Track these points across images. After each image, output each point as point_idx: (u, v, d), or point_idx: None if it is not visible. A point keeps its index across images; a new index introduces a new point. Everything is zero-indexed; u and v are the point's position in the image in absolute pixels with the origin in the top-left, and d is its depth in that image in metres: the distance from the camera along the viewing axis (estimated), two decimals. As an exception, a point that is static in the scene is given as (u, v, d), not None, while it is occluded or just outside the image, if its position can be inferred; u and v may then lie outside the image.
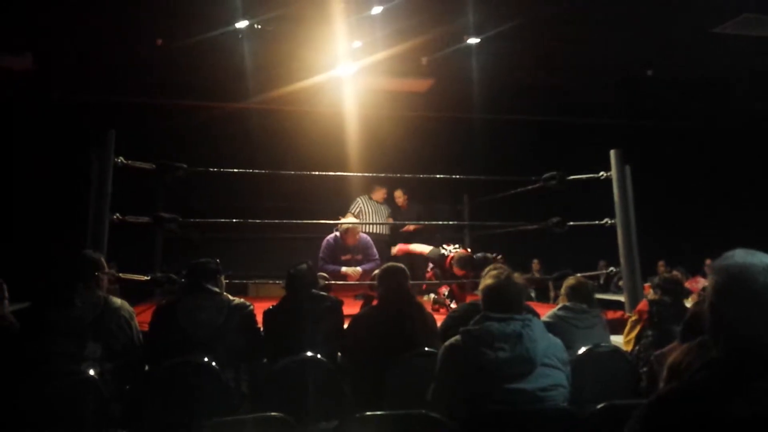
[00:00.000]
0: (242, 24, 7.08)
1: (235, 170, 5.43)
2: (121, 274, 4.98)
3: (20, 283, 3.78)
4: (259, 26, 7.21)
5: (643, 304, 4.06)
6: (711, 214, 9.51)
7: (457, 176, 6.18)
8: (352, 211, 7.32)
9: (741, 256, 1.35)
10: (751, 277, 1.30)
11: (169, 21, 6.99)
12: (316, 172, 5.94)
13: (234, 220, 5.42)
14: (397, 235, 7.64)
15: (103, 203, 4.64)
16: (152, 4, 6.57)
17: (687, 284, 8.22)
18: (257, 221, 5.69)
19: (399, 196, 7.76)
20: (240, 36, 7.33)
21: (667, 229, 9.10)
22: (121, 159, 4.79)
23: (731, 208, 9.60)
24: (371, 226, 7.26)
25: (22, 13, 6.58)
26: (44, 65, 7.60)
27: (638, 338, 3.89)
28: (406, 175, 6.90)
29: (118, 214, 4.72)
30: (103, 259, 3.41)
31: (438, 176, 6.22)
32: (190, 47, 7.12)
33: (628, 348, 3.91)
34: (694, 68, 8.36)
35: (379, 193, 7.51)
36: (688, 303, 4.73)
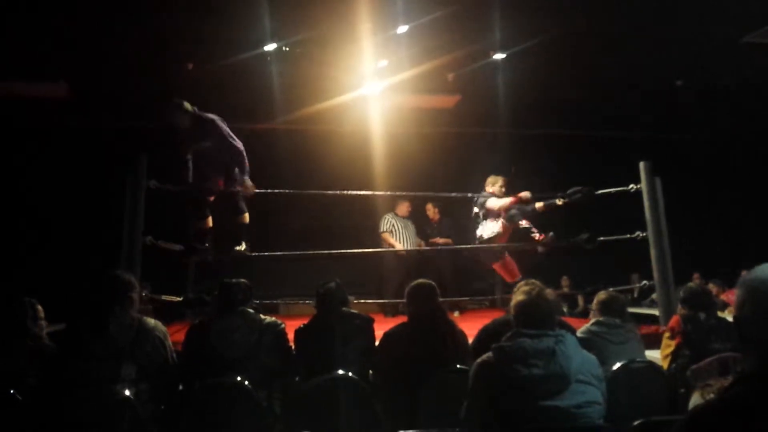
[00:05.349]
0: (271, 47, 7.20)
1: (264, 190, 5.48)
2: (153, 296, 5.06)
3: (55, 304, 3.84)
4: (287, 48, 7.32)
5: (674, 320, 3.92)
6: (748, 225, 9.32)
7: (485, 193, 6.13)
8: (386, 229, 7.44)
9: (762, 269, 1.34)
10: (766, 289, 1.29)
11: (199, 46, 7.13)
12: (344, 192, 5.97)
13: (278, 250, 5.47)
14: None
15: (136, 226, 4.74)
16: (183, 29, 6.70)
17: (723, 296, 8.06)
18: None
19: (430, 208, 7.83)
20: (268, 58, 7.45)
21: (704, 241, 8.94)
22: (153, 182, 4.89)
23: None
24: (403, 243, 7.34)
25: (56, 41, 6.76)
26: (78, 93, 7.77)
27: (674, 356, 3.76)
28: (434, 194, 6.89)
29: (150, 238, 4.80)
30: (134, 279, 3.45)
31: (469, 195, 6.21)
32: (220, 70, 7.25)
33: (665, 365, 3.81)
34: (723, 78, 8.25)
35: (403, 207, 7.57)
36: (726, 315, 4.62)
